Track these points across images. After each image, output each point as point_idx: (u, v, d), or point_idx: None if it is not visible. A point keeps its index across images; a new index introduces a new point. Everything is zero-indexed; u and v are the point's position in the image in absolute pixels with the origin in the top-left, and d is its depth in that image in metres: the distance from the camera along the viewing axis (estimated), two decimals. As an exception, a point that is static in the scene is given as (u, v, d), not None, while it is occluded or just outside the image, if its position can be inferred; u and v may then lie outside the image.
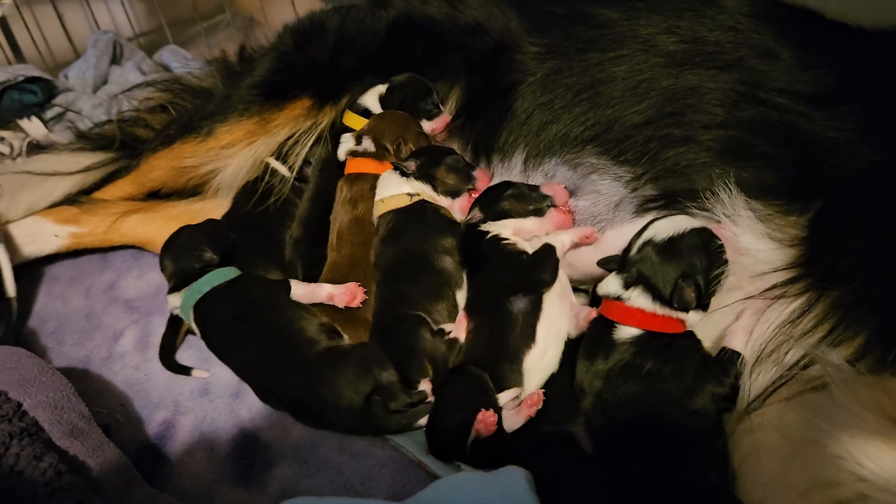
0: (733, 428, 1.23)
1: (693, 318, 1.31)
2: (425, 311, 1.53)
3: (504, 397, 1.37)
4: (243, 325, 1.56)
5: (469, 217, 1.59)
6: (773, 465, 1.15)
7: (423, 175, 1.72)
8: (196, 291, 1.61)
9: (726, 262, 1.32)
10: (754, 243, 1.35)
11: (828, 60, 1.45)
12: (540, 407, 1.34)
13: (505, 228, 1.54)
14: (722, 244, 1.32)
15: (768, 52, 1.50)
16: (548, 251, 1.47)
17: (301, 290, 1.61)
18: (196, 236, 1.69)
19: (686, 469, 1.18)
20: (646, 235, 1.35)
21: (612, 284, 1.36)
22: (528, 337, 1.41)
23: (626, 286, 1.33)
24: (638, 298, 1.31)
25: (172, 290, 1.66)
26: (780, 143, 1.39)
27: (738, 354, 1.28)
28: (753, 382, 1.23)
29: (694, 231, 1.32)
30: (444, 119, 1.96)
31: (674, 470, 1.18)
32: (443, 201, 1.73)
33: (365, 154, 1.86)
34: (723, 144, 1.45)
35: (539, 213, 1.56)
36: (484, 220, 1.56)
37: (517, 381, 1.39)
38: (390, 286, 1.62)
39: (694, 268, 1.29)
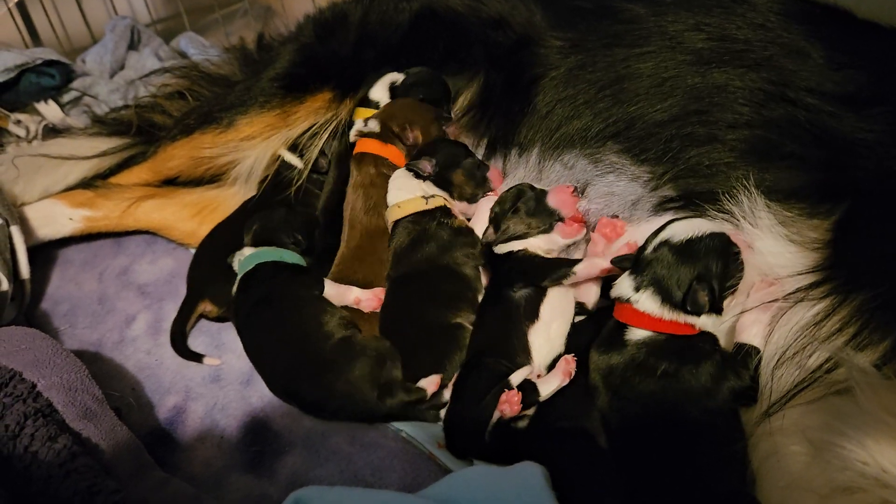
0: (753, 430, 1.21)
1: (705, 322, 1.28)
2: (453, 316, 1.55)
3: (517, 377, 1.37)
4: (266, 311, 1.58)
5: (486, 236, 1.59)
6: (794, 468, 1.14)
7: (440, 180, 1.71)
8: (259, 257, 1.66)
9: (742, 267, 1.31)
10: (774, 246, 1.34)
11: (860, 61, 1.44)
12: (574, 370, 1.36)
13: (515, 247, 1.55)
14: (738, 250, 1.31)
15: (798, 52, 1.49)
16: (562, 268, 1.48)
17: (332, 291, 1.64)
18: (300, 222, 1.79)
19: (704, 469, 1.17)
20: (663, 235, 1.32)
21: (623, 287, 1.34)
22: (533, 314, 1.45)
23: (637, 289, 1.31)
24: (646, 302, 1.30)
25: (251, 245, 1.72)
26: (809, 143, 1.38)
27: (756, 348, 1.27)
28: (775, 385, 1.21)
29: (713, 234, 1.29)
30: (452, 131, 1.94)
31: (691, 470, 1.17)
32: (459, 206, 1.74)
33: (370, 134, 1.86)
34: (748, 144, 1.43)
35: (547, 230, 1.55)
36: (496, 243, 1.56)
37: (526, 357, 1.42)
38: (410, 292, 1.62)
39: (709, 271, 1.27)
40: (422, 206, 1.68)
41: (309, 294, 1.61)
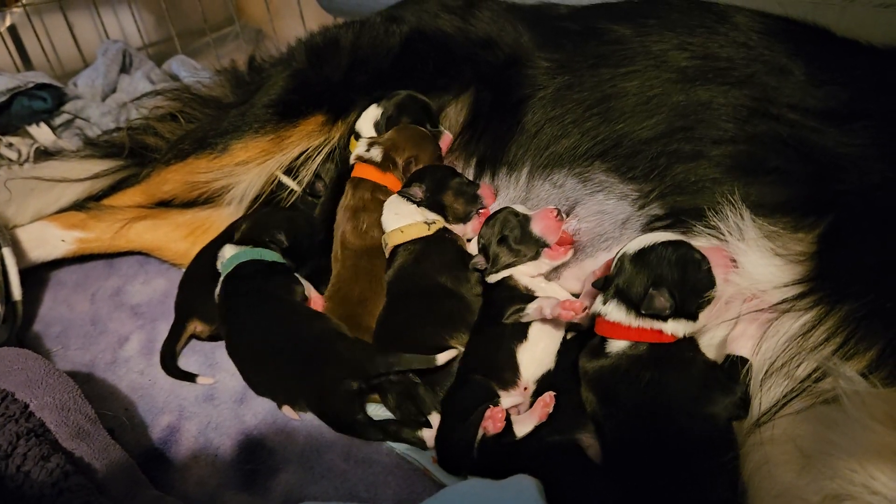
0: (744, 440, 1.22)
1: (675, 328, 1.30)
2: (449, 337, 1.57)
3: (507, 401, 1.39)
4: (246, 310, 1.66)
5: (476, 262, 1.61)
6: (784, 477, 1.14)
7: (432, 204, 1.73)
8: (238, 257, 1.73)
9: (708, 273, 1.32)
10: (760, 260, 1.35)
11: (841, 77, 1.46)
12: (551, 409, 1.35)
13: (505, 274, 1.58)
14: (703, 256, 1.32)
15: (780, 69, 1.52)
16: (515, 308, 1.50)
17: None
18: (282, 220, 1.87)
19: (695, 478, 1.18)
20: (622, 250, 1.37)
21: (596, 302, 1.39)
22: (522, 335, 1.47)
23: (605, 302, 1.36)
24: (614, 312, 1.33)
25: (235, 243, 1.82)
26: (792, 158, 1.40)
27: (745, 360, 1.28)
28: (765, 395, 1.22)
29: (666, 243, 1.33)
30: (446, 139, 1.96)
31: (682, 479, 1.18)
32: (456, 228, 1.76)
33: (370, 161, 1.87)
34: (733, 159, 1.45)
35: (534, 257, 1.57)
36: (488, 273, 1.59)
37: (513, 374, 1.44)
38: (409, 308, 1.63)
39: (663, 276, 1.30)
40: (424, 231, 1.70)
41: (283, 295, 1.70)
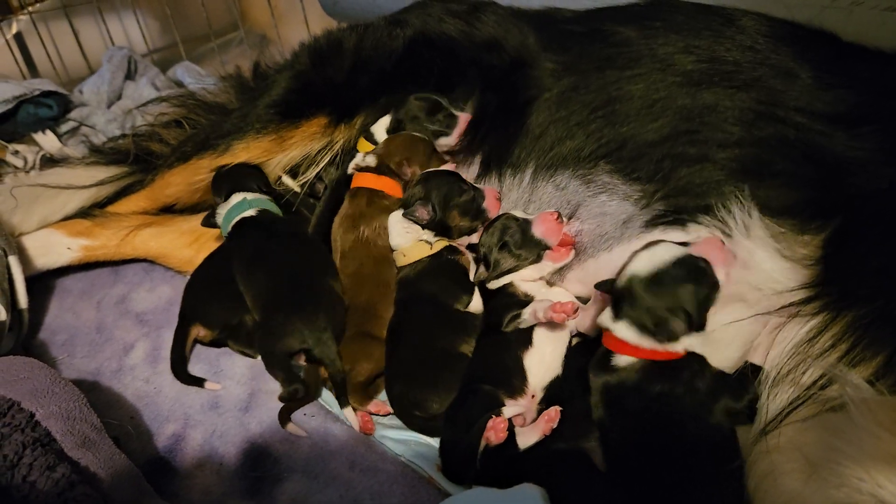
0: (750, 449, 1.21)
1: (691, 343, 1.29)
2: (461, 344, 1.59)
3: (510, 410, 1.38)
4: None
5: (478, 273, 1.62)
6: (791, 486, 1.13)
7: (440, 227, 1.71)
8: (250, 205, 1.87)
9: (713, 278, 1.30)
10: (766, 262, 1.34)
11: (848, 81, 1.45)
12: (556, 425, 1.34)
13: (506, 281, 1.58)
14: (706, 263, 1.30)
15: (787, 72, 1.50)
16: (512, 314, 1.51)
17: None
18: (254, 172, 2.01)
19: (701, 487, 1.17)
20: (630, 269, 1.34)
21: (604, 316, 1.36)
22: (526, 341, 1.48)
23: (614, 319, 1.33)
24: (624, 331, 1.31)
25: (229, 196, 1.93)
26: (799, 161, 1.39)
27: (758, 368, 1.26)
28: (771, 403, 1.21)
29: (677, 262, 1.30)
30: (464, 120, 1.94)
31: (688, 487, 1.17)
32: (460, 241, 1.76)
33: (366, 169, 1.88)
34: (739, 163, 1.44)
35: (536, 260, 1.57)
36: (489, 280, 1.59)
37: (521, 381, 1.44)
38: (420, 312, 1.64)
39: (680, 300, 1.27)
40: (426, 251, 1.70)
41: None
